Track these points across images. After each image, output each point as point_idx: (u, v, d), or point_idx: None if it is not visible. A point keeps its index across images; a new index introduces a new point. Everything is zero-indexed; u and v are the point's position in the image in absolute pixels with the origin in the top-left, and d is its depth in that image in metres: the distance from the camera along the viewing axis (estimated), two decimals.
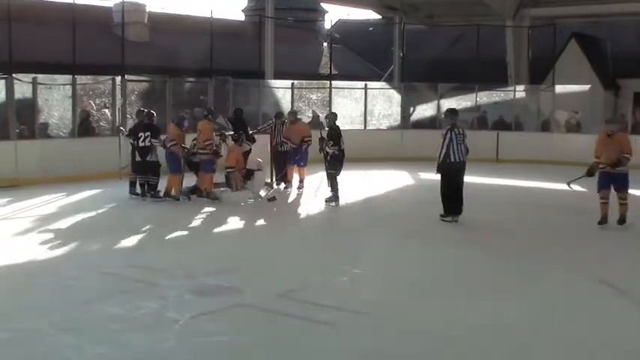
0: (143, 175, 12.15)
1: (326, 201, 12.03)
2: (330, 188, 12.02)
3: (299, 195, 13.24)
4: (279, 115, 14.54)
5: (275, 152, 13.59)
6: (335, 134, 11.82)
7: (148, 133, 11.97)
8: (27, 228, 9.88)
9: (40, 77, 14.24)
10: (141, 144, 11.98)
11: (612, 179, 10.19)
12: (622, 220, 10.19)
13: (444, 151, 10.27)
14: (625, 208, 10.18)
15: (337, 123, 12.08)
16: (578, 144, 18.84)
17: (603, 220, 10.18)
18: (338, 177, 11.91)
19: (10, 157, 13.30)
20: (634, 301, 6.90)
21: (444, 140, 10.29)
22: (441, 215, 10.55)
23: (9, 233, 9.49)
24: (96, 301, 6.57)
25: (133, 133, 12.28)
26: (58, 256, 8.38)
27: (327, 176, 12.07)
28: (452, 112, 10.96)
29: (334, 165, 11.82)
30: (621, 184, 10.19)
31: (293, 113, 14.59)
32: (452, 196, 10.43)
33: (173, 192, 12.09)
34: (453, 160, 10.27)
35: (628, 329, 6.16)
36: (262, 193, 12.58)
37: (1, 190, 12.59)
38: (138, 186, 12.23)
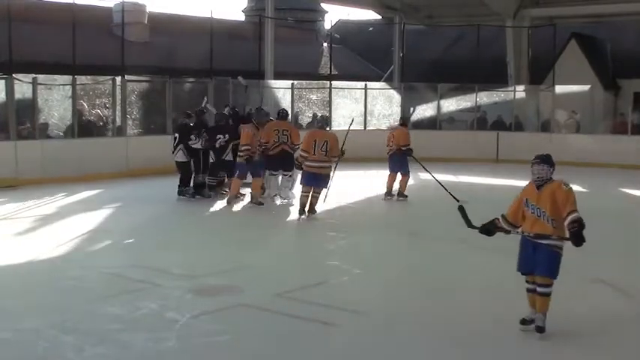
0: (214, 175, 12.29)
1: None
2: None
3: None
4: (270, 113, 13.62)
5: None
6: None
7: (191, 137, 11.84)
8: (27, 228, 9.87)
9: (40, 77, 14.22)
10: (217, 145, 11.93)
11: None
12: (308, 210, 10.67)
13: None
14: (314, 201, 10.74)
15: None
16: (578, 144, 18.97)
17: (301, 211, 10.70)
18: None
19: (10, 157, 13.32)
20: (635, 300, 6.91)
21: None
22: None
23: (9, 233, 9.49)
24: (96, 301, 6.56)
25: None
26: (58, 256, 8.36)
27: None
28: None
29: None
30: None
31: (262, 113, 12.51)
32: None
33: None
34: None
35: (628, 328, 6.17)
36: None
37: (1, 190, 12.60)
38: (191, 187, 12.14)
